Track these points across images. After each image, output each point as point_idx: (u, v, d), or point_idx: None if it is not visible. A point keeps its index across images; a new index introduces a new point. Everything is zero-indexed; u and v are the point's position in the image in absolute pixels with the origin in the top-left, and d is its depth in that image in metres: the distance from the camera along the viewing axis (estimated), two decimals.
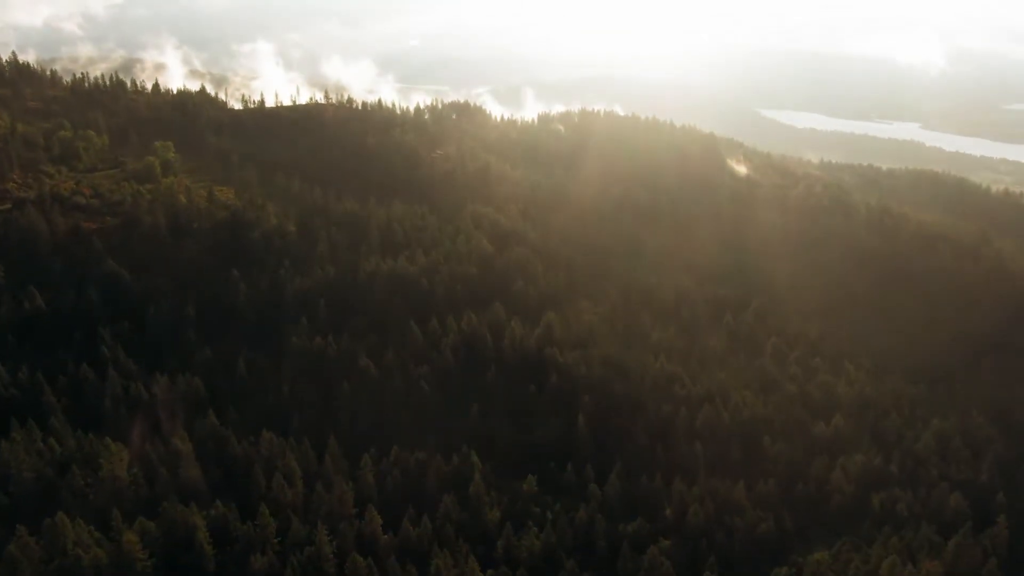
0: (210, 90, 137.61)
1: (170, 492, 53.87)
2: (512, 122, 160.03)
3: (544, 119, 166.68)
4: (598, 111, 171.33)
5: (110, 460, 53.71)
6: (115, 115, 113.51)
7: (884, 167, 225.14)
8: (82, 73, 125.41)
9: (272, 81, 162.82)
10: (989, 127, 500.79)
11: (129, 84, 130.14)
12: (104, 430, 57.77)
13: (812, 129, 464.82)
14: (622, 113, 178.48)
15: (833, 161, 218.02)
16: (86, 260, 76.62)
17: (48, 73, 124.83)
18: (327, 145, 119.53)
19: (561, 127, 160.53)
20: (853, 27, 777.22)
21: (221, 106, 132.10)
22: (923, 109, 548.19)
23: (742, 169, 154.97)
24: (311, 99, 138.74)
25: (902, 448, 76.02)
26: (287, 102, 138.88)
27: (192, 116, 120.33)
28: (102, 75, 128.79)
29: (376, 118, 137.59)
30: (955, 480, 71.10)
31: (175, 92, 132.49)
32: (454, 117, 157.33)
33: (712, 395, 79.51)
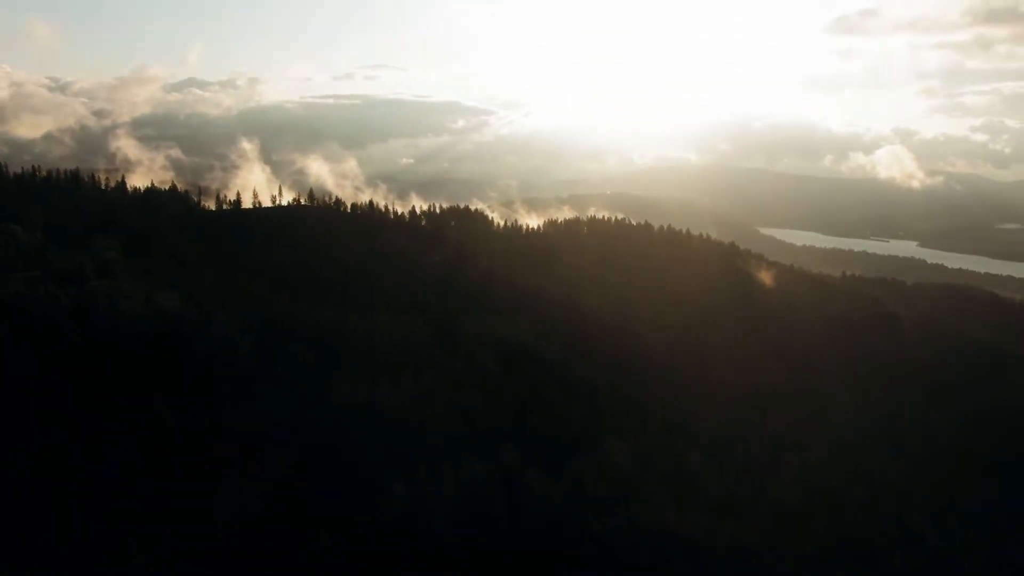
0: (183, 188, 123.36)
1: None
2: (516, 229, 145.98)
3: (551, 226, 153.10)
4: (608, 218, 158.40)
5: None
6: (60, 211, 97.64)
7: (909, 282, 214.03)
8: (33, 166, 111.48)
9: (252, 181, 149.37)
10: (986, 245, 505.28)
11: (89, 180, 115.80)
12: None
13: (811, 246, 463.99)
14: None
15: (856, 275, 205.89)
16: None
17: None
18: (306, 248, 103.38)
19: (570, 235, 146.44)
20: (827, 148, 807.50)
21: (191, 205, 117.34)
22: (918, 227, 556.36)
23: (770, 281, 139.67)
24: (293, 200, 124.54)
25: None
26: (268, 204, 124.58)
27: (153, 214, 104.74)
28: (59, 170, 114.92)
29: (365, 221, 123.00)
30: None
31: (141, 189, 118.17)
32: (453, 224, 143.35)
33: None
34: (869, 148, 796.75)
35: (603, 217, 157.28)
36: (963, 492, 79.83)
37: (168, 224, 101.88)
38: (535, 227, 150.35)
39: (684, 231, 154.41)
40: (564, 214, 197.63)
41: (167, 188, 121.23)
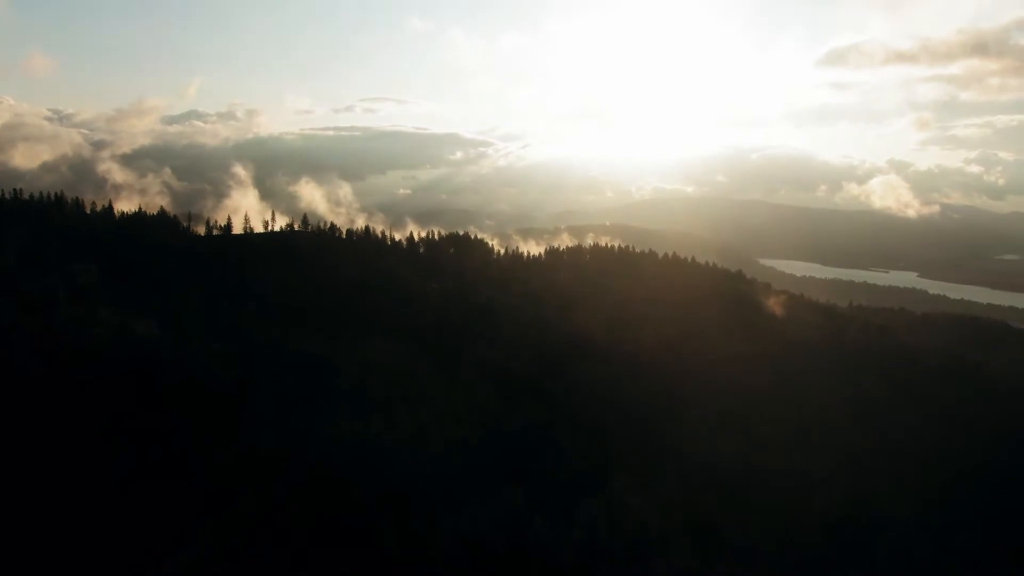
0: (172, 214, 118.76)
1: None
2: (517, 256, 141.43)
3: (552, 254, 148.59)
4: (611, 246, 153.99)
5: None
6: (38, 235, 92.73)
7: (919, 311, 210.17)
8: (15, 190, 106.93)
9: (245, 206, 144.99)
10: (986, 276, 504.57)
11: (74, 204, 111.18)
12: None
13: (811, 277, 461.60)
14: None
15: (862, 304, 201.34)
16: None
17: None
18: (298, 275, 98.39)
19: (572, 263, 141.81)
20: (823, 180, 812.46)
21: (180, 230, 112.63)
22: (917, 258, 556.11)
23: (781, 310, 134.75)
24: (285, 226, 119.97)
25: None
26: (260, 229, 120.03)
27: (138, 239, 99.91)
28: (42, 193, 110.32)
29: (361, 247, 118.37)
30: None
31: (128, 213, 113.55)
32: (451, 251, 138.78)
33: None
34: (864, 180, 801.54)
35: (606, 244, 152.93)
36: (1005, 540, 73.83)
37: (153, 249, 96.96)
38: (536, 254, 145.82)
39: (690, 259, 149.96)
40: (564, 242, 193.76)
41: (155, 213, 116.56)
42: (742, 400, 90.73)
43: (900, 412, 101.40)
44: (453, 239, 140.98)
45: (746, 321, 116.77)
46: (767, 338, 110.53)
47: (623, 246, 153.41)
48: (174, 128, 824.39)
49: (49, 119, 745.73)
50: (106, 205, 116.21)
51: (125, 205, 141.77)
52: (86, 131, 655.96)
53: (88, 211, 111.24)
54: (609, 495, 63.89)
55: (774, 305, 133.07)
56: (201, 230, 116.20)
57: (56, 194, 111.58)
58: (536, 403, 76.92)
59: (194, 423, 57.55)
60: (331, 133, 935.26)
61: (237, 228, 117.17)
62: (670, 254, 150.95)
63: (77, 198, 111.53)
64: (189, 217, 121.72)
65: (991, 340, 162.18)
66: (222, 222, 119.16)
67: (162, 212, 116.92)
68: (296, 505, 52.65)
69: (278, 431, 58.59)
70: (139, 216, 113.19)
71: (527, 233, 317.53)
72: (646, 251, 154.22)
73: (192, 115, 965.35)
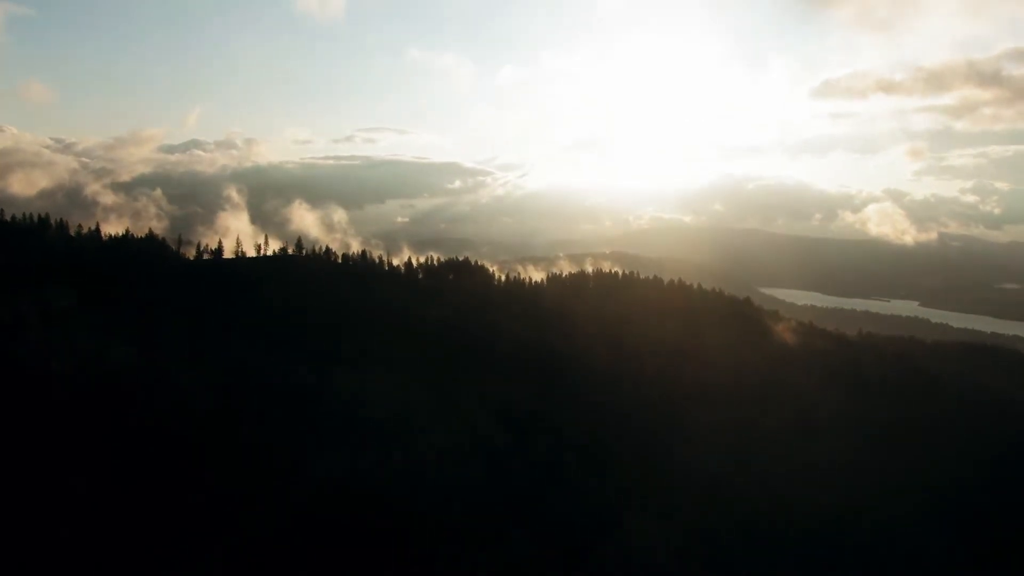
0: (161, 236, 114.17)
1: None
2: (519, 283, 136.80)
3: (555, 281, 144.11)
4: (615, 272, 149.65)
5: None
6: (17, 257, 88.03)
7: (928, 340, 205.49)
8: None
9: (238, 230, 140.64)
10: (987, 305, 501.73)
11: (58, 226, 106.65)
12: None
13: (812, 306, 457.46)
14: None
15: (872, 332, 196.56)
16: None
17: None
18: (290, 300, 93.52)
19: (575, 289, 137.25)
20: (820, 210, 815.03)
21: (168, 253, 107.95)
22: (918, 287, 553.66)
23: (792, 338, 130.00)
24: (278, 250, 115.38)
25: None
26: (252, 253, 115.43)
27: (124, 261, 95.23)
28: (25, 214, 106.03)
29: (357, 273, 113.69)
30: None
31: (116, 236, 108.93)
32: (451, 277, 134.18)
33: None
34: (861, 209, 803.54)
35: (610, 270, 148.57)
36: None
37: (138, 272, 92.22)
38: (538, 280, 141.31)
39: (696, 285, 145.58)
40: (563, 269, 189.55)
41: (143, 236, 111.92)
42: (759, 431, 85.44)
43: (923, 441, 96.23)
44: (452, 265, 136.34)
45: (760, 350, 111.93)
46: (783, 368, 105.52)
47: (627, 272, 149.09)
48: (173, 157, 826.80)
49: (51, 148, 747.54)
50: (93, 228, 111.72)
51: (115, 229, 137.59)
52: (87, 159, 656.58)
53: (73, 234, 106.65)
54: (623, 536, 58.51)
55: (784, 332, 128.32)
56: (191, 254, 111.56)
57: (40, 216, 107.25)
58: (542, 436, 71.71)
59: (167, 459, 52.14)
60: (331, 162, 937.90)
61: (228, 252, 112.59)
62: (676, 281, 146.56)
63: (61, 220, 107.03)
64: (179, 240, 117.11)
65: (1006, 368, 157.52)
66: (213, 246, 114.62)
67: (150, 235, 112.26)
68: (276, 553, 47.13)
69: (260, 468, 53.24)
70: (126, 239, 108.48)
71: (526, 261, 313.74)
72: (650, 277, 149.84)
73: (193, 144, 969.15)
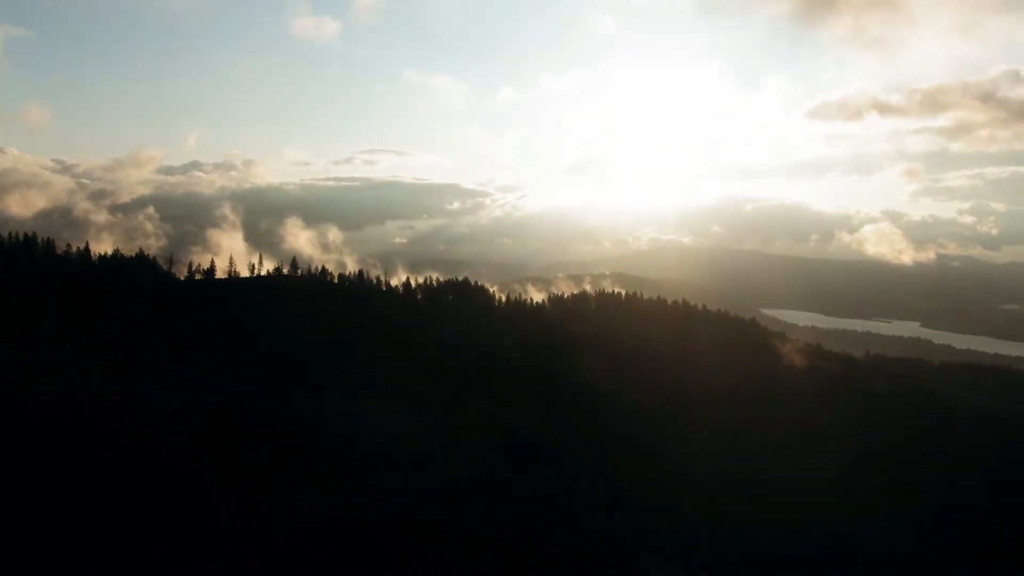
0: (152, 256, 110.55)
1: None
2: (520, 304, 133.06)
3: (556, 302, 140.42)
4: (619, 293, 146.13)
5: None
6: None
7: (935, 361, 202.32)
8: None
9: (232, 249, 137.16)
10: (989, 326, 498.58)
11: (45, 245, 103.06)
12: None
13: (814, 327, 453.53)
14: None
15: (879, 354, 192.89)
16: None
17: None
18: (282, 323, 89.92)
19: (578, 311, 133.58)
20: (818, 231, 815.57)
21: (158, 272, 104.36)
22: (918, 308, 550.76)
23: (802, 360, 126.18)
24: (272, 270, 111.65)
25: None
26: (245, 274, 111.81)
27: (111, 282, 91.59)
28: (11, 233, 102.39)
29: (353, 294, 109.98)
30: None
31: (106, 256, 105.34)
32: (450, 298, 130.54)
33: None
34: (859, 230, 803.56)
35: (615, 292, 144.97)
36: None
37: (125, 292, 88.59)
38: (539, 301, 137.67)
39: (700, 306, 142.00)
40: (564, 289, 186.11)
41: (134, 256, 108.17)
42: (775, 458, 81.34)
43: (943, 468, 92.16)
44: (452, 285, 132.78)
45: (770, 373, 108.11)
46: (796, 392, 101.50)
47: (631, 293, 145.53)
48: (173, 178, 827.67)
49: (53, 170, 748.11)
50: (82, 247, 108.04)
51: (108, 248, 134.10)
52: (87, 180, 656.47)
53: (61, 253, 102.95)
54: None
55: (793, 354, 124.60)
56: (183, 273, 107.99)
57: (27, 235, 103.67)
58: (548, 468, 67.65)
59: (141, 492, 47.98)
60: (331, 183, 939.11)
61: (221, 272, 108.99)
62: (680, 302, 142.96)
63: (49, 239, 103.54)
64: (171, 260, 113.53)
65: (1019, 390, 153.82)
66: (205, 265, 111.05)
67: (140, 254, 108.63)
68: None
69: (242, 504, 49.08)
70: (115, 258, 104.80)
71: (526, 281, 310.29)
72: (654, 298, 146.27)
73: (192, 166, 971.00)
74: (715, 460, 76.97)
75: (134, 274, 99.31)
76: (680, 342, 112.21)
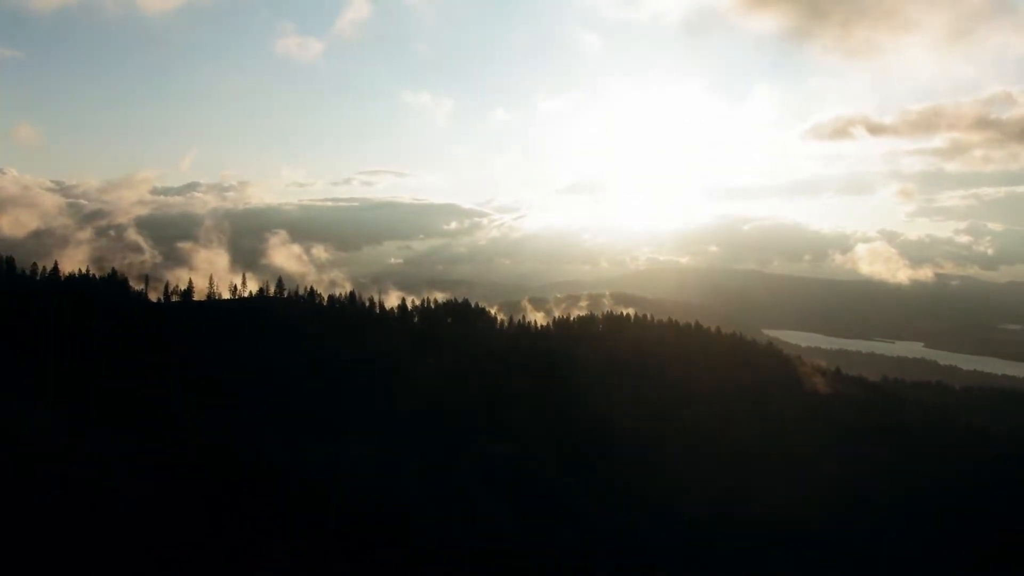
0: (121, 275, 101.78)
1: None
2: (523, 327, 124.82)
3: (561, 325, 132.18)
4: (626, 314, 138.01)
5: None
6: None
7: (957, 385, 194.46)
8: None
9: (217, 271, 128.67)
10: (992, 346, 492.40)
11: (4, 261, 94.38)
12: None
13: (816, 347, 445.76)
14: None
15: (898, 378, 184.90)
16: None
17: None
18: (261, 350, 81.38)
19: (585, 333, 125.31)
20: (816, 250, 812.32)
21: (128, 295, 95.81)
22: (920, 328, 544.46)
23: (824, 387, 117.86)
24: (256, 291, 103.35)
25: None
26: (227, 295, 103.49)
27: (72, 307, 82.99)
28: None
29: (344, 317, 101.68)
30: None
31: (74, 275, 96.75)
32: (449, 321, 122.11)
33: None
34: (856, 249, 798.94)
35: (623, 313, 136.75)
36: None
37: (86, 318, 79.97)
38: (544, 324, 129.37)
39: (714, 328, 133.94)
40: (564, 310, 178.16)
41: (104, 276, 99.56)
42: (793, 493, 72.62)
43: (984, 504, 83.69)
44: (451, 307, 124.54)
45: (789, 397, 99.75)
46: (822, 424, 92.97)
47: (639, 315, 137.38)
48: (168, 199, 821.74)
49: (52, 190, 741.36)
50: (47, 267, 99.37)
51: (94, 269, 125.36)
52: (84, 201, 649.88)
53: (20, 272, 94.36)
54: None
55: (814, 378, 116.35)
56: (158, 296, 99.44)
57: None
58: (556, 515, 58.96)
59: (75, 558, 39.09)
60: (329, 204, 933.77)
61: (200, 294, 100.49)
62: (692, 323, 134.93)
63: (8, 257, 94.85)
64: (147, 280, 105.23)
65: None
66: (183, 287, 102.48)
67: (112, 274, 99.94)
68: None
69: (198, 567, 40.22)
70: (86, 279, 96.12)
71: (525, 302, 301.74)
72: (664, 320, 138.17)
73: (188, 187, 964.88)
74: (748, 506, 68.32)
75: (101, 296, 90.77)
76: (700, 368, 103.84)
